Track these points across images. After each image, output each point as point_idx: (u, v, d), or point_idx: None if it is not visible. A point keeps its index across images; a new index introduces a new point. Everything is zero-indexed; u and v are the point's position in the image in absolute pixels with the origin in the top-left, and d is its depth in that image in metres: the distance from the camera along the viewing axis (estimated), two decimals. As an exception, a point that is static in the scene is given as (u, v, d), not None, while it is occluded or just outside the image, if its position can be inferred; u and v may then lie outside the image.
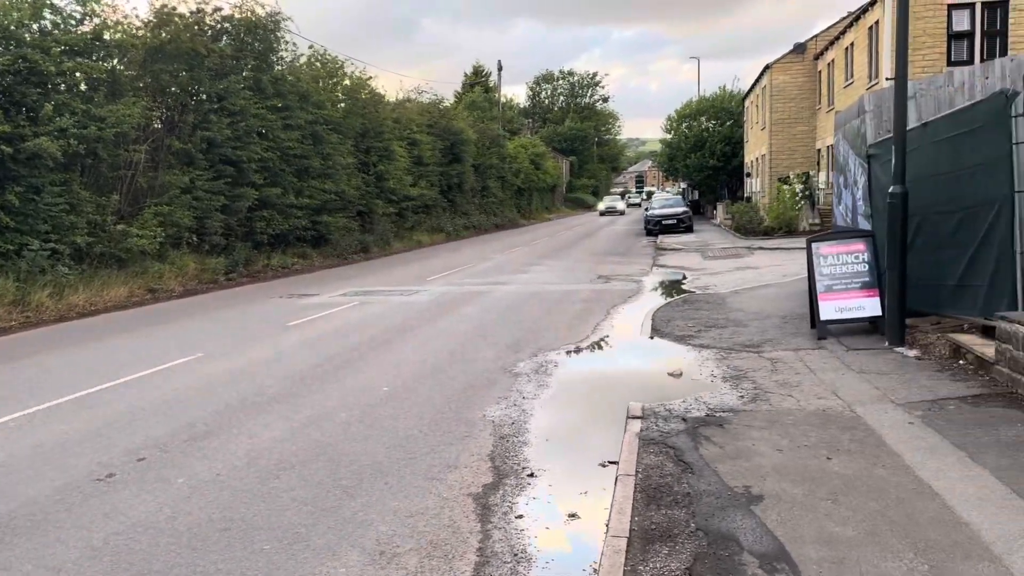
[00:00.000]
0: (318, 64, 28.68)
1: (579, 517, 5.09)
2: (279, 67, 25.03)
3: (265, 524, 5.04)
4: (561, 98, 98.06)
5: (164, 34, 20.46)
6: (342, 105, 28.82)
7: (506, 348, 10.50)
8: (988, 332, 8.05)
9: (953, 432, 5.95)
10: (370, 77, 31.22)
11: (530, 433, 6.81)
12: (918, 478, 5.12)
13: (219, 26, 22.66)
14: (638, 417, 6.86)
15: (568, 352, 10.25)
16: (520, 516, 5.06)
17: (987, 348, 7.71)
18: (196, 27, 21.41)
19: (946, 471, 5.19)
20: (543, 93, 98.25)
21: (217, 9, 22.38)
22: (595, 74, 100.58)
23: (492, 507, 5.19)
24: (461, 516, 5.05)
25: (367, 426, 7.10)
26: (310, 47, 29.85)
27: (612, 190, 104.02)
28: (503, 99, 65.85)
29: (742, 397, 7.41)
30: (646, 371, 9.38)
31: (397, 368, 9.47)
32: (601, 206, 69.31)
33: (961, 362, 8.10)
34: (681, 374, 8.68)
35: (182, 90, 21.36)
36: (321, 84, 27.80)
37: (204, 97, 21.77)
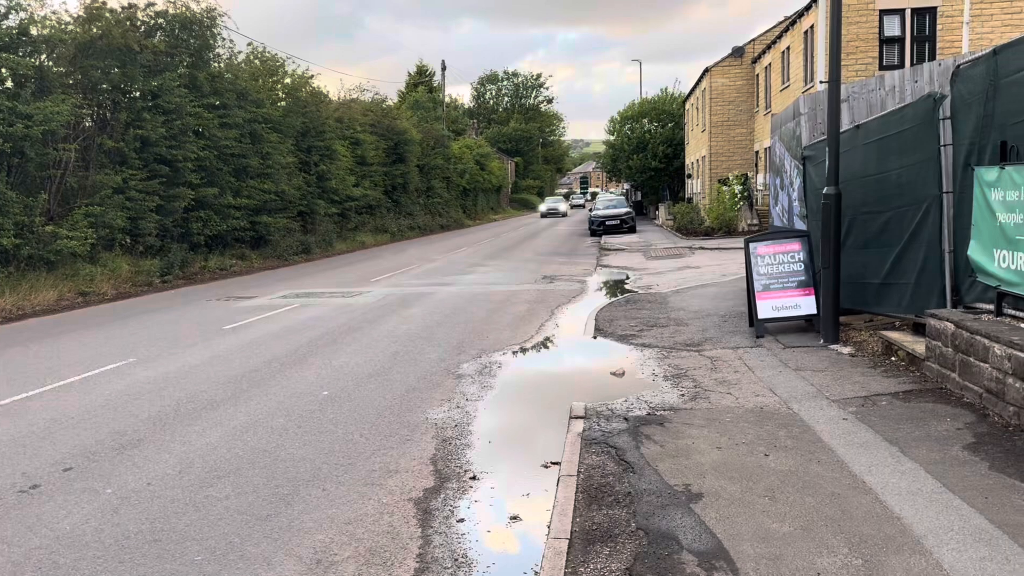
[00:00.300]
0: (257, 62, 28.17)
1: (521, 519, 5.06)
2: (216, 64, 24.51)
3: (197, 535, 4.88)
4: (506, 99, 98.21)
5: (95, 29, 19.84)
6: (282, 104, 28.36)
7: (450, 349, 10.43)
8: (919, 329, 8.28)
9: (886, 428, 6.09)
10: (311, 75, 30.84)
11: (473, 435, 6.75)
12: (852, 473, 5.22)
13: (152, 22, 22.09)
14: (580, 417, 6.86)
15: (512, 353, 10.22)
16: (461, 520, 5.00)
17: (918, 345, 7.92)
18: (128, 22, 20.82)
19: (879, 466, 5.31)
20: (488, 94, 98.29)
21: (150, 4, 21.83)
22: (539, 75, 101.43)
23: (433, 511, 5.12)
24: (401, 521, 4.97)
25: (306, 431, 6.95)
26: (249, 44, 29.26)
27: (557, 191, 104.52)
28: (447, 99, 65.62)
29: (683, 395, 7.48)
30: (589, 371, 9.40)
31: (338, 371, 9.32)
32: (542, 207, 66.17)
33: (893, 359, 8.31)
34: (623, 373, 8.72)
35: (114, 87, 20.74)
36: (260, 82, 27.28)
37: (137, 94, 21.20)
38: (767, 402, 7.09)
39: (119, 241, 19.89)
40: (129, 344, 11.62)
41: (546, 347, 10.75)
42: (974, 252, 7.07)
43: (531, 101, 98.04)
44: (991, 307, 6.79)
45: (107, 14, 20.26)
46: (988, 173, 6.76)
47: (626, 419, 6.76)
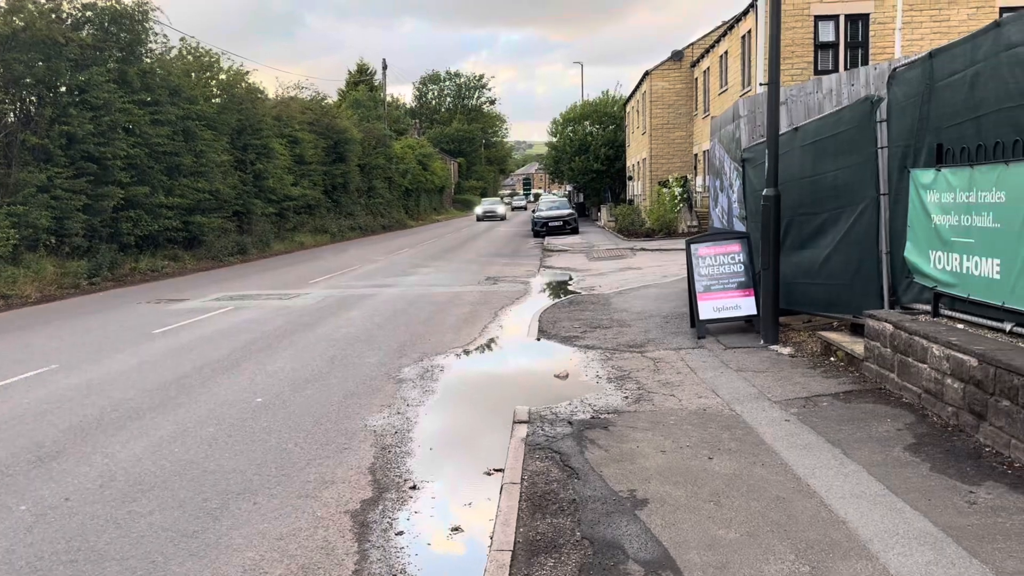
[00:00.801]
0: (190, 57, 27.35)
1: (463, 530, 4.89)
2: (148, 59, 23.69)
3: (118, 554, 4.58)
4: (448, 99, 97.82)
5: (17, 21, 18.99)
6: (217, 100, 27.58)
7: (391, 353, 10.19)
8: (856, 330, 8.37)
9: (828, 429, 6.10)
10: (247, 71, 30.10)
11: (414, 442, 6.56)
12: (796, 476, 5.19)
13: (80, 14, 21.26)
14: (524, 422, 6.72)
15: (455, 356, 10.04)
16: (400, 533, 4.81)
17: (856, 345, 8.00)
18: (53, 14, 19.97)
19: (822, 469, 5.29)
20: (430, 94, 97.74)
21: (77, -5, 20.97)
22: (482, 76, 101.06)
23: (371, 524, 4.91)
24: (337, 536, 4.75)
25: (237, 441, 6.65)
26: (181, 39, 28.35)
27: (500, 191, 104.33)
28: (389, 99, 64.87)
29: (626, 398, 7.40)
30: (533, 373, 9.27)
31: (273, 377, 9.00)
32: (478, 210, 59.62)
33: (832, 359, 8.38)
34: (567, 376, 8.62)
35: (39, 81, 19.85)
36: (194, 78, 26.50)
37: (64, 89, 20.33)
38: (710, 404, 7.06)
39: (43, 242, 19.06)
40: (52, 349, 11.08)
41: (489, 349, 10.59)
42: (910, 253, 7.16)
43: (474, 102, 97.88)
44: (928, 308, 6.88)
45: (30, 5, 19.41)
46: (924, 175, 6.84)
47: (570, 423, 6.64)
